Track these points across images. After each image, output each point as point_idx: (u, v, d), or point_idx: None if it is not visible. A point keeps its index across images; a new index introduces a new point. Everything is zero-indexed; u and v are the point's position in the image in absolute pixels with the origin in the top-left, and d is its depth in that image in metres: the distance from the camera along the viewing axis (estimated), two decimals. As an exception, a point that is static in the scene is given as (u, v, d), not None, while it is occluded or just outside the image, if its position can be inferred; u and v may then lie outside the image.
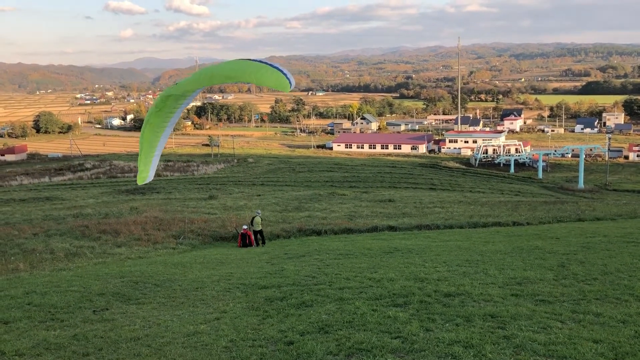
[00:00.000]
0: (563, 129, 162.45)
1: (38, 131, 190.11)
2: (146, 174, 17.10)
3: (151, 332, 9.26)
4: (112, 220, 29.72)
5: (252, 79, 13.68)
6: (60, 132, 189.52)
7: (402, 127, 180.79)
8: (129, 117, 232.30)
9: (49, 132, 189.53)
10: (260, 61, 13.00)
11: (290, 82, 11.94)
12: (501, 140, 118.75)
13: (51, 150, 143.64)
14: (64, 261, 19.88)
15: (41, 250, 21.88)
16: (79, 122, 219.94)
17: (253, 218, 23.81)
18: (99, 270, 16.68)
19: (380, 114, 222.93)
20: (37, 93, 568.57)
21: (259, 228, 23.66)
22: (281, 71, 12.09)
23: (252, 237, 23.46)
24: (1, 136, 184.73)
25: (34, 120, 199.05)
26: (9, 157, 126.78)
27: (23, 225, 28.83)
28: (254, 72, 12.97)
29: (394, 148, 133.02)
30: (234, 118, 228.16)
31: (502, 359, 7.20)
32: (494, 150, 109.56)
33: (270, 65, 12.97)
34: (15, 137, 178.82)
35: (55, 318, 10.51)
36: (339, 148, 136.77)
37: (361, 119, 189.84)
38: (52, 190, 63.19)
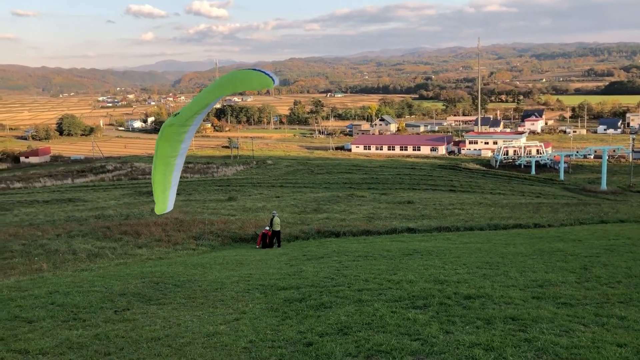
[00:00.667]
0: (585, 130, 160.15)
1: (61, 134, 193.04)
2: (165, 206, 18.24)
3: (171, 332, 9.34)
4: (133, 221, 30.06)
5: (239, 87, 15.24)
6: (82, 135, 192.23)
7: (422, 129, 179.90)
8: (150, 119, 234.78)
9: (72, 135, 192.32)
10: (244, 70, 14.78)
11: (272, 79, 13.36)
12: (522, 141, 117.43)
13: (74, 153, 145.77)
14: (86, 262, 20.16)
15: (64, 250, 22.21)
16: (101, 125, 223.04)
17: (272, 219, 23.91)
18: (121, 271, 16.87)
19: (399, 116, 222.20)
20: (61, 96, 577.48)
21: (278, 228, 23.74)
22: (263, 72, 13.61)
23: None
24: (25, 139, 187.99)
25: (57, 123, 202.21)
26: (33, 160, 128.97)
27: (46, 226, 29.30)
28: (239, 80, 14.66)
29: (413, 149, 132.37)
30: (253, 120, 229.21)
31: (523, 362, 7.12)
32: (514, 151, 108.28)
33: (253, 69, 14.76)
34: (39, 140, 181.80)
35: (78, 318, 10.65)
36: (357, 149, 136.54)
37: (380, 120, 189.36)
38: (75, 191, 64.12)
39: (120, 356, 8.20)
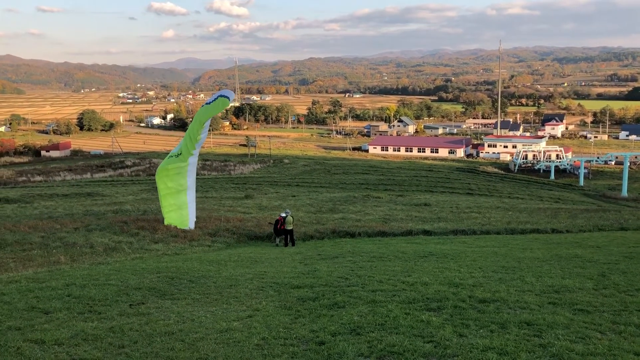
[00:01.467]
0: (607, 136, 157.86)
1: (82, 128, 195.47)
2: (186, 223, 22.50)
3: (185, 327, 9.40)
4: (150, 216, 30.28)
5: (208, 115, 22.89)
6: (102, 130, 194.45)
7: (440, 131, 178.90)
8: (169, 116, 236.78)
9: (92, 130, 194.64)
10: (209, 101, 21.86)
11: (228, 97, 19.16)
12: (542, 145, 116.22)
13: (93, 148, 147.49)
14: (102, 255, 20.36)
15: (81, 244, 22.45)
16: (121, 121, 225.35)
17: (285, 217, 23.91)
18: (136, 265, 17.02)
19: (417, 117, 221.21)
20: (82, 91, 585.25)
21: (291, 227, 23.74)
22: (222, 95, 19.92)
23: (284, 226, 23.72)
24: (47, 133, 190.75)
25: (77, 118, 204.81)
26: (53, 154, 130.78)
27: (65, 220, 29.65)
28: (207, 110, 21.55)
29: (431, 152, 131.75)
30: (271, 119, 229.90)
31: (537, 367, 7.04)
32: (534, 155, 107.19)
33: (216, 98, 21.42)
34: (60, 134, 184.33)
35: (93, 310, 10.77)
36: (375, 150, 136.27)
37: (398, 121, 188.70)
38: (94, 186, 64.88)
39: (134, 349, 8.27)
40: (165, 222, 26.36)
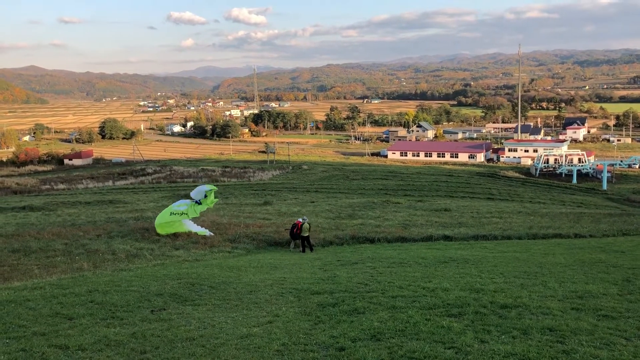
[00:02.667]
0: (630, 139, 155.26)
1: (103, 137, 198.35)
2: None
3: (206, 333, 9.46)
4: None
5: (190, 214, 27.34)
6: (124, 138, 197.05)
7: (460, 135, 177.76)
8: (189, 124, 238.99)
9: (114, 138, 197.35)
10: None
11: (192, 197, 25.16)
12: (563, 149, 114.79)
13: (115, 155, 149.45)
14: (124, 262, 20.58)
15: (104, 250, 22.73)
16: (142, 129, 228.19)
17: (302, 223, 23.99)
18: (158, 272, 17.17)
19: (437, 122, 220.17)
20: (104, 100, 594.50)
21: (307, 234, 23.80)
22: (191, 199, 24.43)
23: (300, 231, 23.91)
24: (69, 141, 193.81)
25: (99, 127, 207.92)
26: (76, 162, 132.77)
27: (88, 227, 30.06)
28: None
29: (451, 156, 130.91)
30: (290, 125, 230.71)
31: (561, 374, 6.94)
32: (555, 159, 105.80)
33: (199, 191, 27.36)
34: (83, 143, 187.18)
35: (116, 316, 10.90)
36: (394, 156, 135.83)
37: (417, 126, 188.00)
38: (115, 193, 65.65)
39: (156, 355, 8.35)
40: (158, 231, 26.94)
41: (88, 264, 20.03)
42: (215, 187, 27.38)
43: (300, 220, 24.22)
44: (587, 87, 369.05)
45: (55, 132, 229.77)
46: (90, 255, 21.78)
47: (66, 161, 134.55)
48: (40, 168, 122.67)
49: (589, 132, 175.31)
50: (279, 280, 14.84)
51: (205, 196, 26.71)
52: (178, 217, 26.33)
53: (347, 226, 31.49)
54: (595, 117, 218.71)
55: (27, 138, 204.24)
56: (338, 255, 20.86)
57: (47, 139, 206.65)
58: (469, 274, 14.59)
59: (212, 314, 11.05)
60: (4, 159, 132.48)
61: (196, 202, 26.80)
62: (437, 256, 19.06)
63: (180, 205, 27.08)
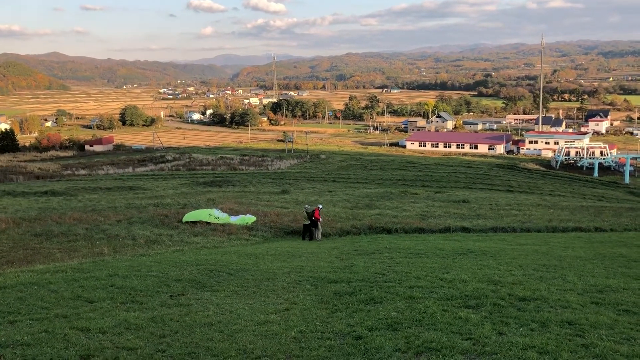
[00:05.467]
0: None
1: (124, 124, 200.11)
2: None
3: (224, 319, 9.55)
4: (190, 210, 30.81)
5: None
6: (144, 125, 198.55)
7: (480, 127, 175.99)
8: (209, 112, 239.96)
9: (134, 125, 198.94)
10: None
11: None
12: (585, 142, 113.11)
13: (135, 142, 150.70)
14: (144, 247, 20.85)
15: (124, 236, 23.05)
16: (162, 116, 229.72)
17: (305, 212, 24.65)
18: (177, 258, 17.36)
19: (456, 113, 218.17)
20: (124, 87, 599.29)
21: (308, 222, 24.21)
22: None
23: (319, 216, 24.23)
24: (91, 127, 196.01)
25: (120, 113, 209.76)
26: (97, 148, 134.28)
27: (108, 213, 30.47)
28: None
29: (470, 148, 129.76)
30: (308, 114, 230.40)
31: (579, 368, 6.89)
32: (576, 152, 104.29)
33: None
34: (103, 129, 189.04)
35: (135, 300, 11.06)
36: (412, 146, 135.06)
37: (436, 117, 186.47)
38: (135, 180, 66.35)
39: (175, 339, 8.46)
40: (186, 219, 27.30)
41: (108, 248, 20.33)
42: (254, 218, 27.98)
43: (320, 206, 24.61)
44: (611, 79, 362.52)
45: (77, 118, 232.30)
46: (110, 240, 22.10)
47: (87, 147, 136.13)
48: (61, 154, 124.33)
49: (611, 124, 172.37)
50: (296, 268, 14.91)
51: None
52: (213, 219, 26.86)
53: (364, 216, 31.47)
54: (619, 110, 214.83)
55: (49, 124, 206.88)
56: (355, 245, 20.87)
57: (68, 125, 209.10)
58: (487, 266, 14.51)
59: (230, 300, 11.15)
60: (27, 144, 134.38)
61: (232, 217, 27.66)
62: (455, 247, 18.97)
63: (221, 213, 27.71)
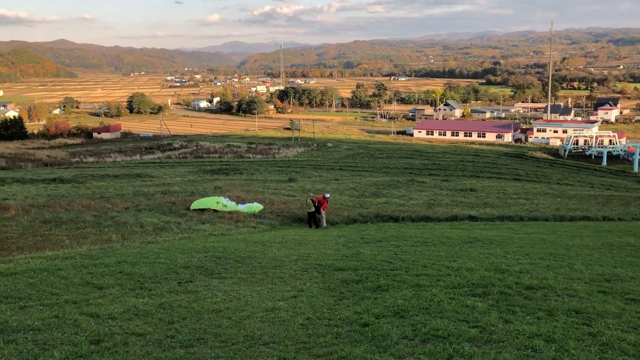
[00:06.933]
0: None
1: (131, 111, 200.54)
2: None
3: (232, 306, 9.62)
4: (197, 198, 30.91)
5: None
6: (151, 113, 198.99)
7: (488, 115, 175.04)
8: (215, 99, 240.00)
9: (141, 113, 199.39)
10: None
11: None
12: (594, 130, 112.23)
13: (143, 130, 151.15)
14: (152, 234, 20.96)
15: (132, 223, 23.17)
16: (169, 104, 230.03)
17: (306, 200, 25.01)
18: (184, 245, 17.46)
19: (464, 101, 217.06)
20: (132, 75, 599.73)
21: (312, 209, 24.54)
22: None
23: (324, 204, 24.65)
24: (98, 115, 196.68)
25: (127, 101, 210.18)
26: (104, 135, 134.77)
27: (116, 200, 30.61)
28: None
29: (478, 136, 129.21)
30: (315, 102, 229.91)
31: (586, 356, 6.90)
32: (585, 141, 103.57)
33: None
34: (111, 117, 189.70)
35: (144, 287, 11.15)
36: (419, 135, 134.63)
37: (444, 105, 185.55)
38: (143, 167, 66.56)
39: (183, 325, 8.54)
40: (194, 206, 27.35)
41: (117, 235, 20.46)
42: (261, 207, 28.10)
43: (328, 195, 24.82)
44: (621, 67, 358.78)
45: (85, 105, 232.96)
46: (118, 227, 22.23)
47: (95, 134, 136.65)
48: (70, 141, 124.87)
49: (621, 113, 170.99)
50: (303, 256, 14.97)
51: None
52: (221, 207, 26.99)
53: (371, 204, 31.48)
54: (629, 98, 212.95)
55: (57, 111, 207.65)
56: (362, 233, 20.90)
57: (76, 112, 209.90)
58: (494, 255, 14.51)
59: (238, 287, 11.23)
60: (35, 132, 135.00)
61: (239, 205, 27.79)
62: (462, 236, 18.97)
63: (229, 201, 27.82)
